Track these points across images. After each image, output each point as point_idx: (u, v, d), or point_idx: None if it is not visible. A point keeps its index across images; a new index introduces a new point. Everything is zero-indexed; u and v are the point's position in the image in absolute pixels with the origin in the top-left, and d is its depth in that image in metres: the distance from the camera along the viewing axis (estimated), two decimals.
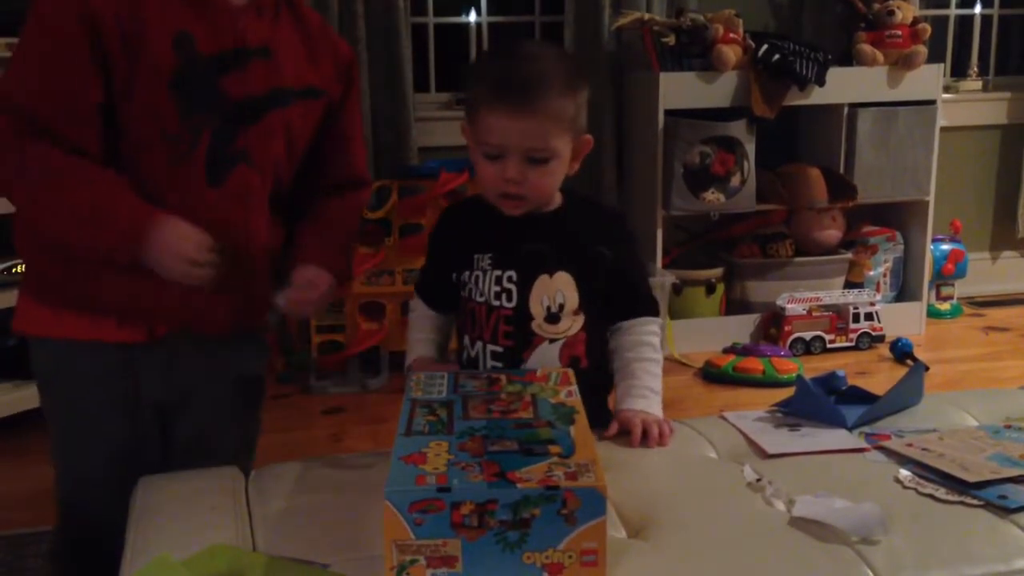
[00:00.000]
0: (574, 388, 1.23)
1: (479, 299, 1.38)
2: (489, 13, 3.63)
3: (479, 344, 1.38)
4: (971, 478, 1.21)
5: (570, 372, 1.29)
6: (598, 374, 1.45)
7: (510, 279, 1.36)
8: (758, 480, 1.25)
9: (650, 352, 1.40)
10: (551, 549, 0.97)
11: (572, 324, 1.38)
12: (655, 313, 1.43)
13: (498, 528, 0.96)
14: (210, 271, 1.31)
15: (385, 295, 3.10)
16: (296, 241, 1.52)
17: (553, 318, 1.36)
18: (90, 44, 1.29)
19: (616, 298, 1.40)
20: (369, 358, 3.12)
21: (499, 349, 1.37)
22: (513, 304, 1.36)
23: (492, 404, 1.19)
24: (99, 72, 1.30)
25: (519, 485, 0.97)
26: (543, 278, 1.35)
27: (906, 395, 1.50)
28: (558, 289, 1.36)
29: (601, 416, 1.49)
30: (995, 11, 4.02)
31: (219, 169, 1.37)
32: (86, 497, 1.49)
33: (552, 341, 1.37)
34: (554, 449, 1.05)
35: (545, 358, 1.37)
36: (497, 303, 1.36)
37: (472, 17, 3.62)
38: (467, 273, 1.39)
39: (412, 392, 1.22)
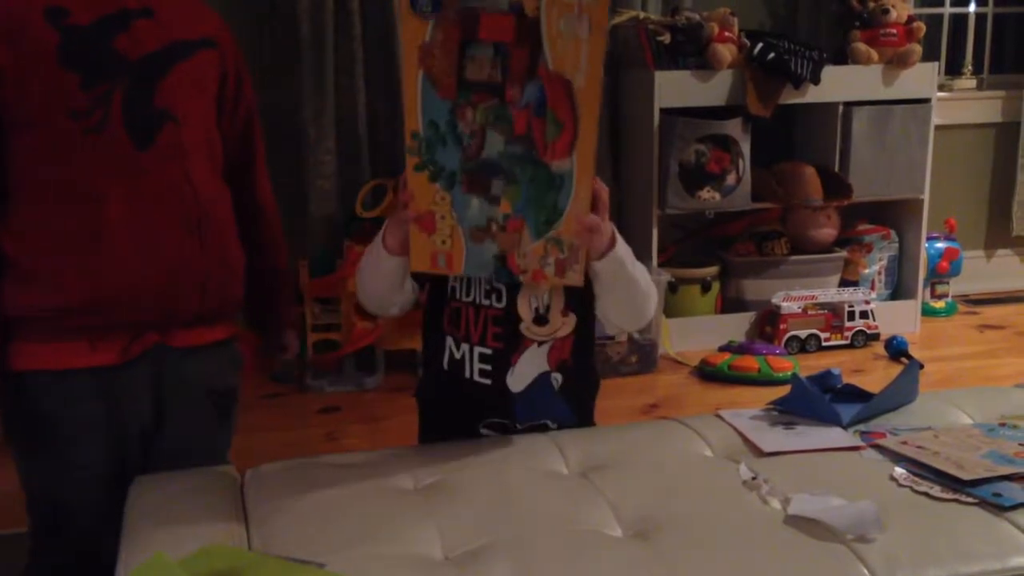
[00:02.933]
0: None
1: (465, 298, 1.36)
2: None
3: (465, 347, 1.36)
4: (966, 476, 1.21)
5: None
6: (585, 377, 1.44)
7: None
8: (754, 478, 1.25)
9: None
10: None
11: (562, 326, 1.37)
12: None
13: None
14: None
15: None
16: (267, 297, 1.65)
17: (541, 320, 1.35)
18: None
19: None
20: (365, 357, 3.11)
21: (488, 351, 1.35)
22: (503, 305, 1.34)
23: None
24: None
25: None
26: None
27: (901, 393, 1.50)
28: (544, 290, 1.35)
29: (588, 423, 1.48)
30: (989, 9, 4.03)
31: (143, 131, 1.36)
32: (68, 523, 1.45)
33: (540, 344, 1.36)
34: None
35: (533, 361, 1.36)
36: (487, 302, 1.35)
37: None
38: None
39: None
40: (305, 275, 3.01)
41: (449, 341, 1.39)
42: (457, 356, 1.38)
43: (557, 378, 1.38)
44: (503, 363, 1.35)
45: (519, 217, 1.22)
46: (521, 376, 1.36)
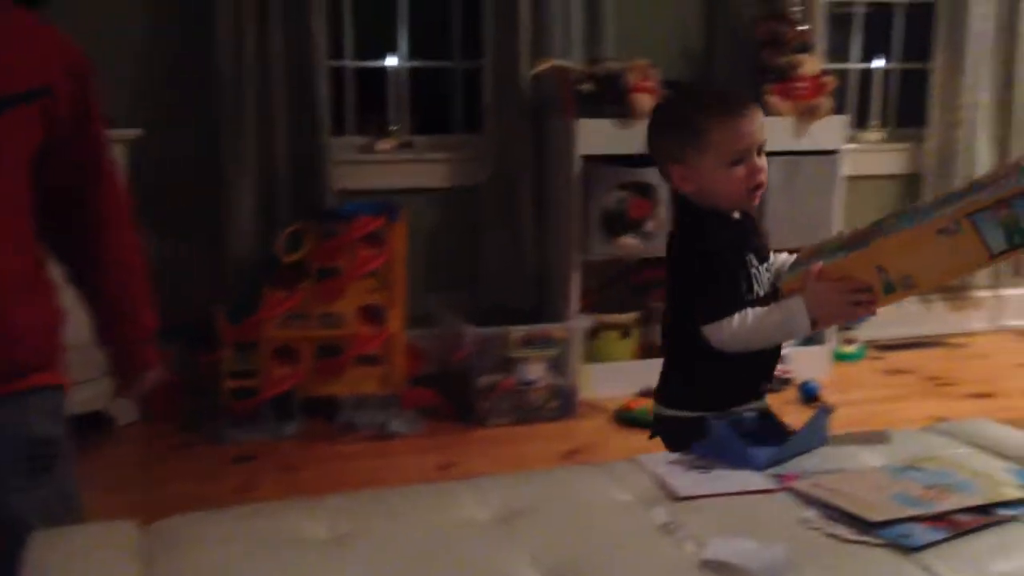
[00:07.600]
0: None
1: (759, 292, 1.64)
2: (409, 58, 3.65)
3: None
4: (875, 517, 1.23)
5: None
6: None
7: (767, 268, 1.67)
8: (668, 523, 1.26)
9: None
10: None
11: None
12: None
13: None
14: None
15: (300, 339, 3.04)
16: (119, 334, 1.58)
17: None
18: None
19: None
20: (282, 404, 3.05)
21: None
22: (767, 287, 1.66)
23: None
24: None
25: None
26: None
27: (811, 437, 1.53)
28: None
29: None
30: (896, 65, 4.21)
31: None
32: None
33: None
34: None
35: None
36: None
37: (391, 61, 3.64)
38: (744, 273, 1.63)
39: None
40: (223, 320, 2.95)
41: None
42: None
43: None
44: None
45: None
46: None
